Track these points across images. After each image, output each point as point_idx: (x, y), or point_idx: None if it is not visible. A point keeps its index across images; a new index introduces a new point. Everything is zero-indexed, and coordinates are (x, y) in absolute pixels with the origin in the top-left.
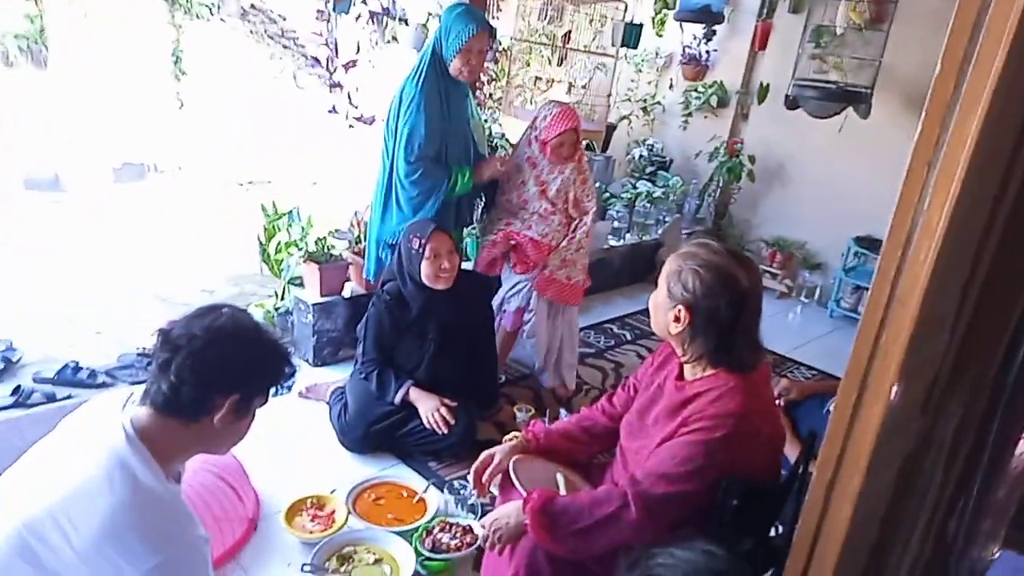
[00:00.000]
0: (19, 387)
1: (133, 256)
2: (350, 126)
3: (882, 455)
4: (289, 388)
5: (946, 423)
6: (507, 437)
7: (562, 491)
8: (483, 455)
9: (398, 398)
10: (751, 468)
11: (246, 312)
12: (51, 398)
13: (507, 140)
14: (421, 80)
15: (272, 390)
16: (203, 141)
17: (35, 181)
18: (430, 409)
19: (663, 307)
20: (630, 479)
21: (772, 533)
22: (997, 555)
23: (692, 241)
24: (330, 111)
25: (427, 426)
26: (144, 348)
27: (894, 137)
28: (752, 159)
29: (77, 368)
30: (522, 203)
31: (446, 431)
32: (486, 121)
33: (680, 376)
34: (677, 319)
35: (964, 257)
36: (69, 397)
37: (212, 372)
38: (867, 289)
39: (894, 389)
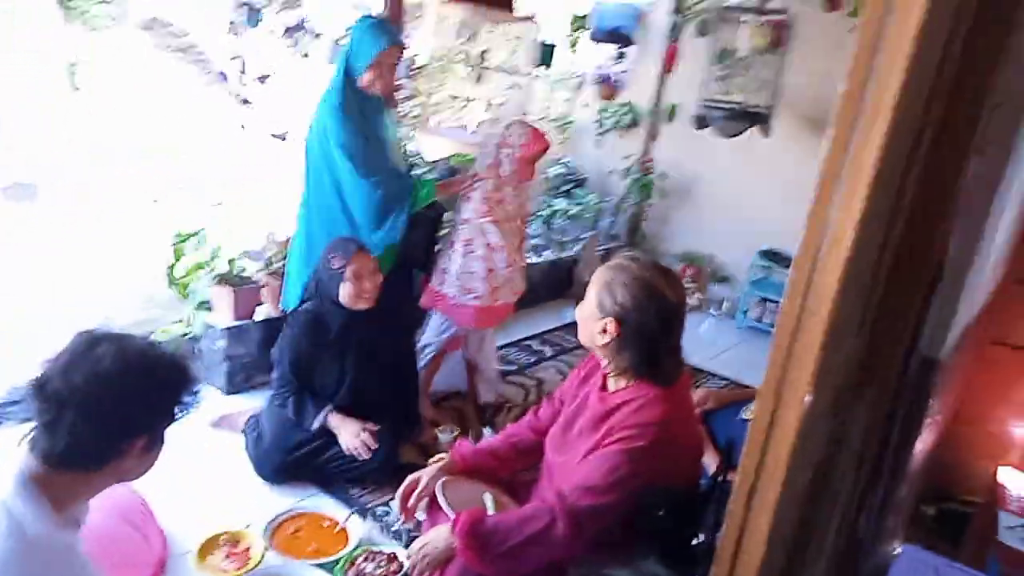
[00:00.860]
0: None
1: (28, 280)
2: (269, 138)
3: (798, 460)
4: (189, 408)
5: (855, 426)
6: (432, 460)
7: (490, 511)
8: (409, 478)
9: (316, 424)
10: (673, 477)
11: (126, 337)
12: None
13: (421, 158)
14: (338, 99)
15: (179, 414)
16: (102, 157)
17: None
18: (351, 434)
19: (591, 318)
20: (557, 494)
21: (693, 542)
22: (899, 550)
23: (621, 255)
24: (240, 127)
25: (347, 453)
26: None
27: (795, 154)
28: (663, 176)
29: None
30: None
31: (368, 457)
32: (401, 140)
33: (604, 387)
34: (605, 331)
35: (867, 266)
36: None
37: (111, 422)
38: (772, 301)
39: (806, 397)
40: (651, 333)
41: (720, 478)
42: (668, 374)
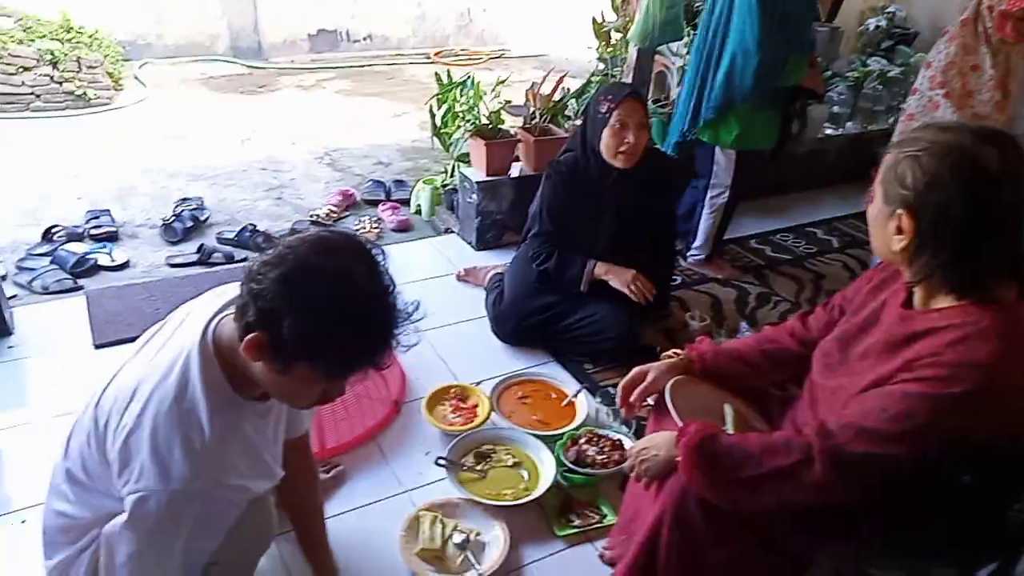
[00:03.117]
0: (202, 245)
1: (317, 124)
2: None
3: None
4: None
5: None
6: (666, 353)
7: (728, 427)
8: (635, 371)
9: (585, 279)
10: (993, 435)
11: (357, 255)
12: (230, 258)
13: None
14: None
15: (332, 370)
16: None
17: (241, 49)
18: (627, 280)
19: (880, 218)
20: (819, 428)
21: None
22: None
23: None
24: None
25: (631, 295)
26: (317, 215)
27: None
28: None
29: (254, 231)
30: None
31: (650, 299)
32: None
33: (908, 303)
34: (899, 230)
35: None
36: (246, 259)
37: (256, 290)
38: None
39: None
40: (960, 219)
41: None
42: (997, 284)
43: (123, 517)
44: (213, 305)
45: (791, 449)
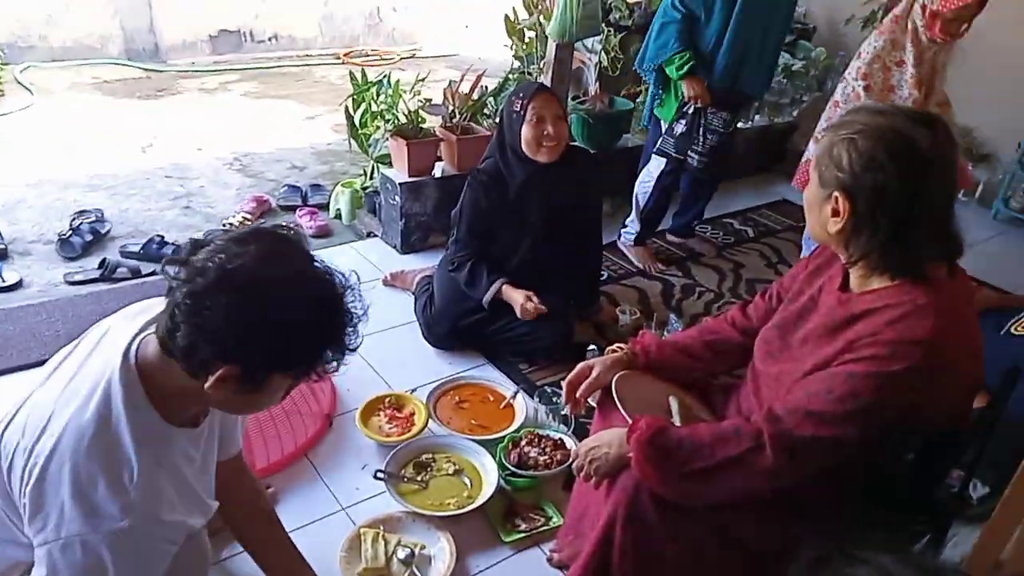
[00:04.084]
0: (105, 260)
1: (224, 128)
2: None
3: None
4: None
5: None
6: (610, 348)
7: (675, 419)
8: (579, 367)
9: (487, 297)
10: (934, 413)
11: (296, 251)
12: (136, 273)
13: (624, 2)
14: None
15: (308, 369)
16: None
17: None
18: (523, 298)
19: (816, 201)
20: (767, 414)
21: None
22: None
23: (851, 108)
24: None
25: (520, 316)
26: (230, 223)
27: None
28: None
29: (162, 243)
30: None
31: (542, 313)
32: None
33: (844, 287)
34: (836, 213)
35: None
36: (153, 273)
37: (207, 326)
38: None
39: None
40: (895, 201)
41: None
42: (930, 263)
43: (38, 571)
44: (135, 323)
45: (741, 437)
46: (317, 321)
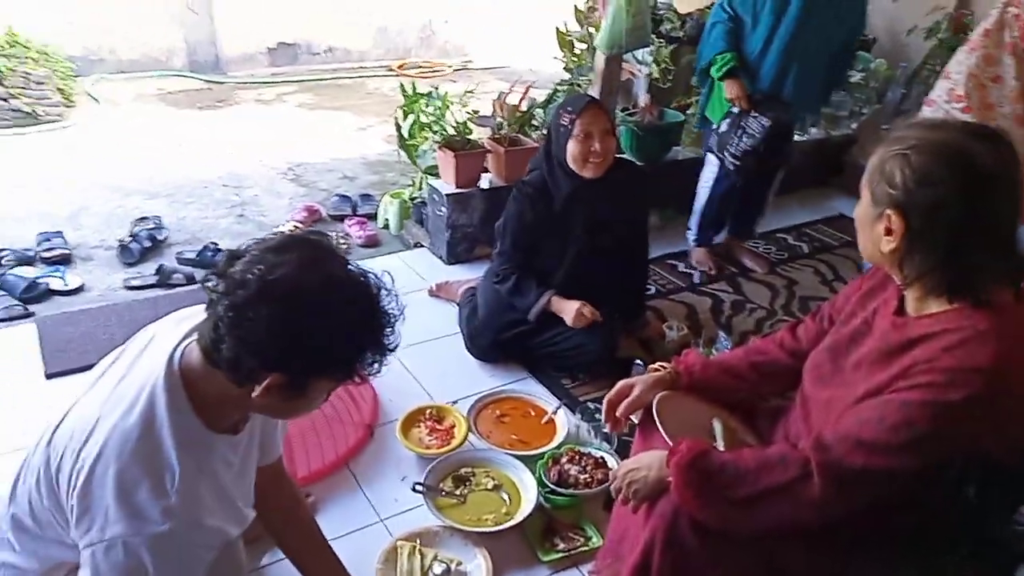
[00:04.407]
0: (161, 266)
1: (279, 138)
2: None
3: None
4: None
5: None
6: (652, 367)
7: (719, 443)
8: (620, 384)
9: (536, 309)
10: (997, 444)
11: (331, 257)
12: (191, 279)
13: (675, 13)
14: None
15: (349, 372)
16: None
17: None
18: (575, 309)
19: (867, 219)
20: (815, 441)
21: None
22: None
23: (905, 124)
24: None
25: (573, 323)
26: (281, 232)
27: None
28: None
29: (216, 250)
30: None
31: (598, 320)
32: None
33: (900, 310)
34: (888, 231)
35: None
36: None
37: (251, 337)
38: None
39: None
40: (952, 219)
41: None
42: (993, 287)
43: (83, 573)
44: (179, 330)
45: (788, 464)
46: (357, 324)
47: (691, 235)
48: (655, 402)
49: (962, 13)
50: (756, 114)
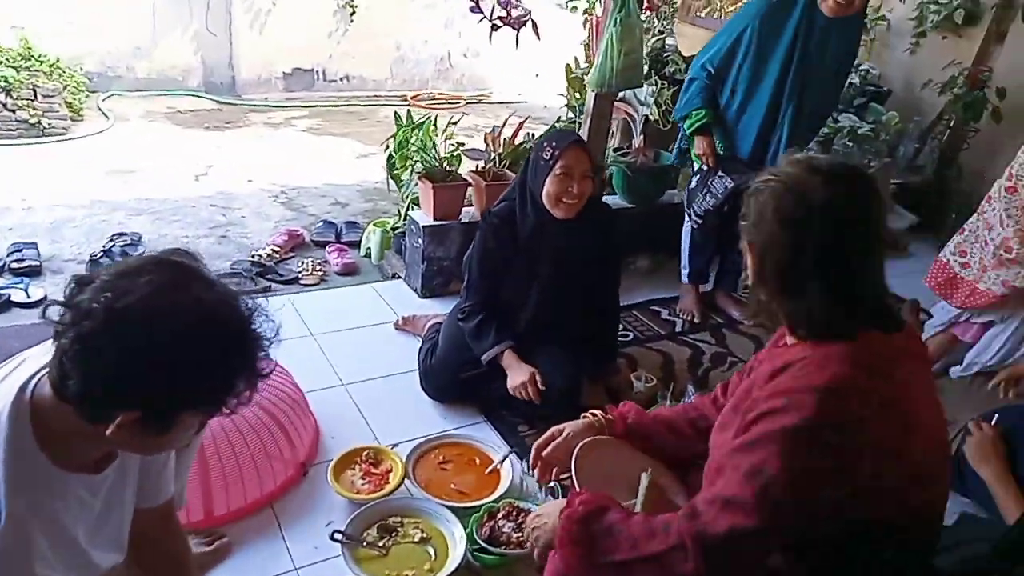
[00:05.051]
0: None
1: (278, 161)
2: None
3: None
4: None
5: None
6: (585, 413)
7: (640, 495)
8: (551, 430)
9: (488, 356)
10: (883, 500)
11: (193, 279)
12: None
13: (679, 56)
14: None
15: (218, 404)
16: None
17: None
18: (520, 378)
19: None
20: (688, 507)
21: None
22: None
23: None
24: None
25: (511, 391)
26: (258, 255)
27: None
28: (1001, 93)
29: None
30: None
31: (537, 401)
32: (659, 32)
33: (779, 341)
34: (745, 264)
35: None
36: None
37: (99, 372)
38: None
39: None
40: (781, 256)
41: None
42: (828, 321)
43: None
44: (46, 357)
45: (669, 533)
46: (223, 353)
47: (684, 273)
48: (577, 449)
49: (979, 69)
50: (722, 174)
